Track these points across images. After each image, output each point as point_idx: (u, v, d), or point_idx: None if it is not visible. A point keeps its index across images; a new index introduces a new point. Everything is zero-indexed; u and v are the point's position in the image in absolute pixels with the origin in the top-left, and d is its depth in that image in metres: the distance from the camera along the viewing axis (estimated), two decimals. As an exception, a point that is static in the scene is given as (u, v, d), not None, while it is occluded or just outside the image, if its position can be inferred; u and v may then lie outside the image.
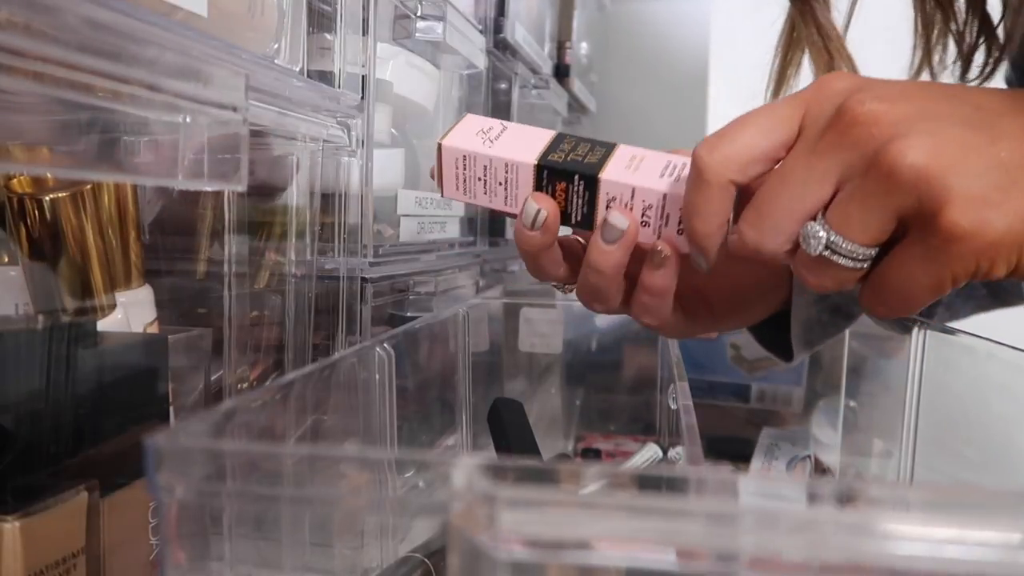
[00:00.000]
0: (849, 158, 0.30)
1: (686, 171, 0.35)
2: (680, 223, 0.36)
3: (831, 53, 0.51)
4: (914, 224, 0.30)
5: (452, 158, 0.39)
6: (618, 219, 0.36)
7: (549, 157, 0.37)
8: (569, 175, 0.37)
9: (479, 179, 0.39)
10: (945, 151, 0.28)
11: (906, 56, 0.56)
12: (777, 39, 0.55)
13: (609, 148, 0.38)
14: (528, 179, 0.37)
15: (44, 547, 0.33)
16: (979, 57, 0.54)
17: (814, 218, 0.31)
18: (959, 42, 0.54)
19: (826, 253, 0.31)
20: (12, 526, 0.31)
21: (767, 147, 0.32)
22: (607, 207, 0.37)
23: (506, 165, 0.38)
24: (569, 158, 0.37)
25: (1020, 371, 0.38)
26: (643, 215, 0.36)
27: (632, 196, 0.36)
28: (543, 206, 0.37)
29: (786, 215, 0.31)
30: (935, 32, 0.54)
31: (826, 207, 0.31)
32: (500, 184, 0.38)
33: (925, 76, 0.56)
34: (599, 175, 0.36)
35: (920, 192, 0.28)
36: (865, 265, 0.31)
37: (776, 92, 0.56)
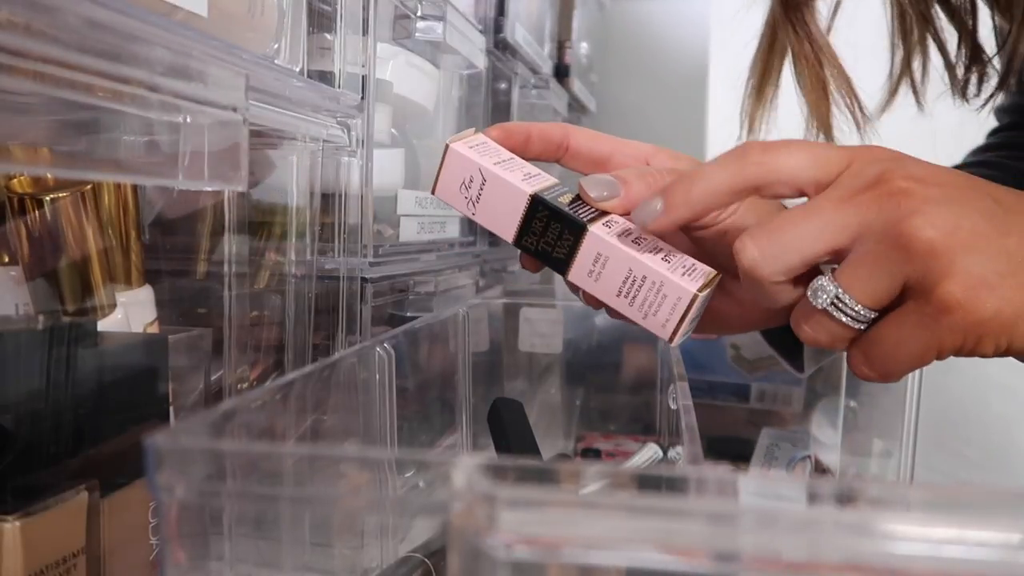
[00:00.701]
0: (873, 218, 0.32)
1: (644, 286, 0.36)
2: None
3: (820, 60, 0.51)
4: (914, 293, 0.32)
5: (442, 201, 0.40)
6: (589, 303, 0.40)
7: (523, 242, 0.38)
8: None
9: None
10: (959, 233, 0.31)
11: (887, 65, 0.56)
12: (755, 52, 0.55)
13: (578, 235, 0.37)
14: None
15: (44, 547, 0.33)
16: (976, 74, 0.55)
17: (822, 272, 0.33)
18: (948, 63, 0.54)
19: (830, 308, 0.33)
20: (12, 526, 0.31)
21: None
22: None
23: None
24: (540, 247, 0.38)
25: (1020, 371, 0.38)
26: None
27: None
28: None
29: (795, 246, 0.32)
30: (914, 40, 0.54)
31: (832, 268, 0.33)
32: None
33: (905, 85, 0.56)
34: (567, 277, 0.38)
35: (927, 264, 0.31)
36: (863, 327, 0.33)
37: (752, 113, 0.56)
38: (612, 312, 0.41)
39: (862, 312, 0.32)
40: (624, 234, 0.37)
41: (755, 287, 0.34)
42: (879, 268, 0.32)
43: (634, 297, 0.37)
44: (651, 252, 0.36)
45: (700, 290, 0.35)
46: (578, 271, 0.37)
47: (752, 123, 0.56)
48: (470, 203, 0.39)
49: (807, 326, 0.34)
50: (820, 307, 0.33)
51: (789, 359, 0.49)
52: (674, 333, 0.37)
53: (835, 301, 0.32)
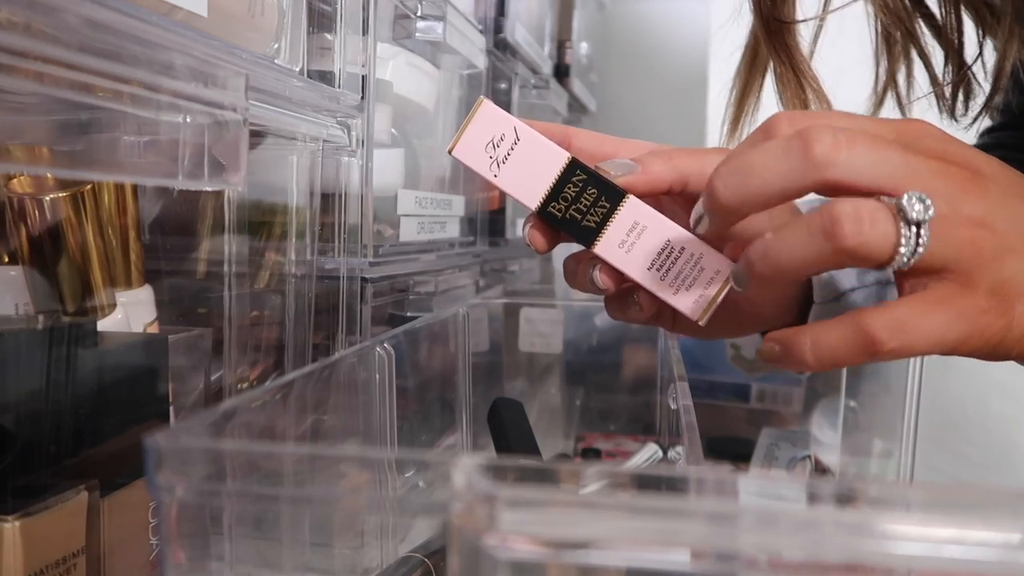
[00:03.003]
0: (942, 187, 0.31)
1: (682, 258, 0.35)
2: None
3: (801, 84, 0.51)
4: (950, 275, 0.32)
5: (464, 166, 0.38)
6: (598, 280, 0.38)
7: (550, 208, 0.36)
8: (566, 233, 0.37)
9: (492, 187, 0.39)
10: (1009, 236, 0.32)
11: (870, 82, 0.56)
12: (738, 65, 0.55)
13: (615, 202, 0.36)
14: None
15: (44, 547, 0.33)
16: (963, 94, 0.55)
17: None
18: (935, 81, 0.55)
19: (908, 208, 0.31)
20: (12, 526, 0.31)
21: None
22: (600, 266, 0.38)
23: (512, 197, 0.37)
24: (569, 214, 0.36)
25: (1020, 371, 0.38)
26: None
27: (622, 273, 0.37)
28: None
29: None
30: (897, 53, 0.55)
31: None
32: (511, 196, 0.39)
33: (890, 99, 0.56)
34: (593, 248, 0.36)
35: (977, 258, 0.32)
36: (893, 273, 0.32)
37: (734, 122, 0.56)
38: (614, 307, 0.41)
39: (921, 246, 0.31)
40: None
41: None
42: (946, 237, 0.31)
43: (668, 270, 0.36)
44: (685, 227, 0.36)
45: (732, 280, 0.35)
46: (609, 241, 0.36)
47: (734, 130, 0.56)
48: (495, 164, 0.37)
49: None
50: (913, 216, 0.30)
51: None
52: (705, 311, 0.36)
53: (922, 220, 0.30)
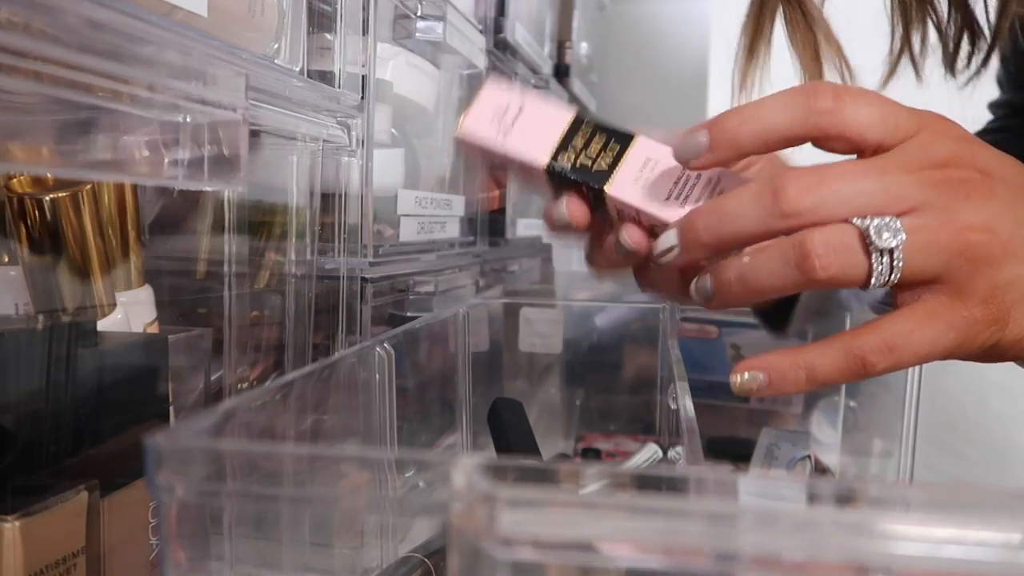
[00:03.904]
0: (935, 200, 0.31)
1: (700, 183, 0.35)
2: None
3: (808, 20, 0.51)
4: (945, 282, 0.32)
5: (470, 148, 0.38)
6: (626, 239, 0.37)
7: (559, 159, 0.37)
8: (577, 184, 0.37)
9: (500, 165, 0.39)
10: (1014, 240, 0.31)
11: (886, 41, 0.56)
12: (747, 11, 0.54)
13: (625, 144, 0.37)
14: (542, 176, 0.37)
15: (44, 547, 0.33)
16: (967, 46, 0.55)
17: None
18: (941, 34, 0.55)
19: (877, 243, 0.31)
20: (12, 526, 0.31)
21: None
22: (618, 215, 0.37)
23: (520, 162, 0.37)
24: (579, 162, 0.37)
25: (1019, 371, 0.38)
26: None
27: (638, 213, 0.36)
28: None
29: (849, 201, 0.31)
30: (913, 16, 0.54)
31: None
32: (519, 171, 0.39)
33: (906, 61, 0.56)
34: (605, 188, 0.36)
35: (975, 266, 0.31)
36: (884, 287, 0.32)
37: (745, 67, 0.54)
38: (644, 280, 0.39)
39: (895, 270, 0.31)
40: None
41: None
42: (932, 250, 0.31)
43: (686, 197, 0.35)
44: None
45: None
46: (622, 179, 0.36)
47: (744, 81, 0.55)
48: (501, 134, 0.37)
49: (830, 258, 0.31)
50: (881, 245, 0.31)
51: (765, 320, 0.49)
52: None
53: (892, 248, 0.31)
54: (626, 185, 0.36)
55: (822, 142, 0.33)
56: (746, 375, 0.34)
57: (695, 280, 0.35)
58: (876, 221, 0.31)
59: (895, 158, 0.32)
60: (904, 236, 0.31)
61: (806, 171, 0.32)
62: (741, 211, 0.32)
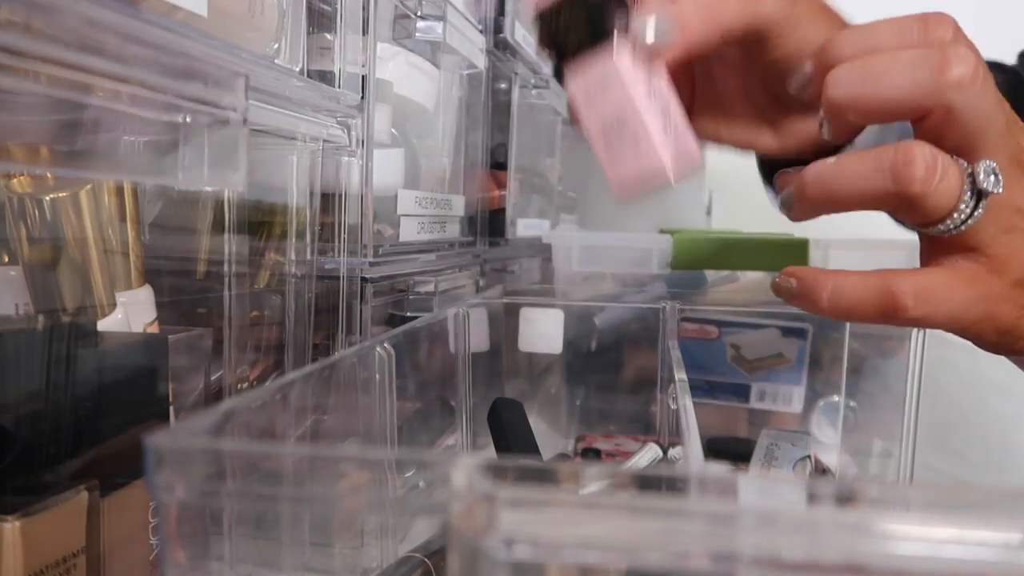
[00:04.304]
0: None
1: (627, 132, 0.32)
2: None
3: None
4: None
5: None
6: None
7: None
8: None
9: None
10: None
11: None
12: None
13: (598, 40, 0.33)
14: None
15: (44, 547, 0.33)
16: None
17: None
18: None
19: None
20: (12, 526, 0.31)
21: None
22: None
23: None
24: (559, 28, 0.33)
25: (1019, 371, 0.38)
26: None
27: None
28: None
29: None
30: None
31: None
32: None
33: None
34: (565, 66, 0.34)
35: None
36: (961, 218, 0.31)
37: None
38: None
39: (973, 217, 0.30)
40: (646, 77, 0.32)
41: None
42: (998, 217, 0.31)
43: (613, 142, 0.33)
44: (657, 106, 0.32)
45: (675, 177, 0.32)
46: (578, 82, 0.33)
47: None
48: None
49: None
50: (980, 185, 0.30)
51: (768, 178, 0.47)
52: (628, 191, 0.34)
53: (988, 192, 0.30)
54: (580, 87, 0.34)
55: (931, 118, 0.31)
56: (785, 279, 0.33)
57: (782, 192, 0.34)
58: (986, 163, 0.30)
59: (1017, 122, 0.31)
60: (1002, 190, 0.30)
61: (981, 62, 0.30)
62: (893, 71, 0.30)
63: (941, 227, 0.31)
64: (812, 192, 0.32)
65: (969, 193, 0.30)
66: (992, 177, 0.30)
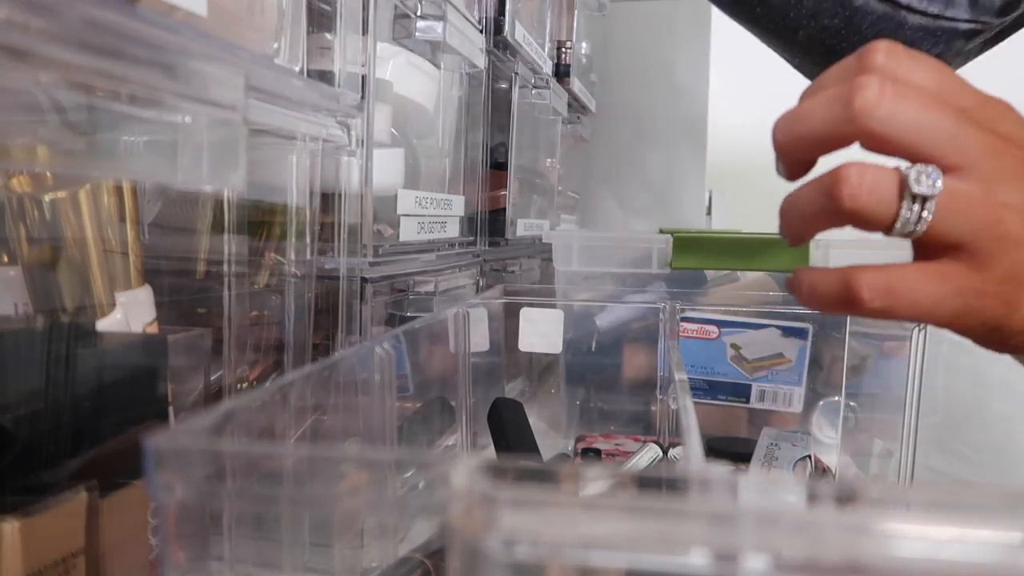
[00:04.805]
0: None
1: None
2: None
3: None
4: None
5: None
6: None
7: None
8: None
9: None
10: None
11: None
12: None
13: None
14: None
15: (44, 547, 0.33)
16: None
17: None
18: None
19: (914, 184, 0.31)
20: (12, 526, 0.31)
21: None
22: None
23: None
24: None
25: (1020, 371, 0.38)
26: None
27: None
28: None
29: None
30: None
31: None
32: None
33: None
34: None
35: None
36: (914, 227, 0.32)
37: None
38: None
39: (922, 220, 0.31)
40: None
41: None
42: (965, 215, 0.32)
43: None
44: None
45: None
46: None
47: None
48: None
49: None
50: (915, 190, 0.31)
51: None
52: None
53: (925, 195, 0.31)
54: None
55: (866, 144, 0.33)
56: (789, 276, 0.37)
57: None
58: (918, 167, 0.31)
59: (975, 111, 0.32)
60: (940, 188, 0.31)
61: (887, 80, 0.32)
62: (814, 111, 0.33)
63: (896, 233, 0.32)
64: (784, 221, 0.36)
65: (908, 199, 0.31)
66: (926, 179, 0.31)
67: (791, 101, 0.44)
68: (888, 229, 0.32)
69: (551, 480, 0.21)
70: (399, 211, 0.61)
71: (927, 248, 0.33)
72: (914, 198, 0.31)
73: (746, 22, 0.68)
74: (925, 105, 0.31)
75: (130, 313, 0.45)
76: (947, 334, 0.35)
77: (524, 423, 0.51)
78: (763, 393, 0.74)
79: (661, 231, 0.75)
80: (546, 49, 1.05)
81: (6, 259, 0.42)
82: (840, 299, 0.34)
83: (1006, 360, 0.37)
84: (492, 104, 0.83)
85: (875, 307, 0.33)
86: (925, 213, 0.31)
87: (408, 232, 0.63)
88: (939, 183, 0.31)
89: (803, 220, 0.34)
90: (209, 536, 0.27)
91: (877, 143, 0.32)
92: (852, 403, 0.69)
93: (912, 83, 0.32)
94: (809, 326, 0.70)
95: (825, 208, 0.32)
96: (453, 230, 0.74)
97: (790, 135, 0.34)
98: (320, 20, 0.50)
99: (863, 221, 0.32)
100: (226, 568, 0.35)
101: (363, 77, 0.53)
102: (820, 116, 0.33)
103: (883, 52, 0.33)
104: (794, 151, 0.34)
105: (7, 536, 0.31)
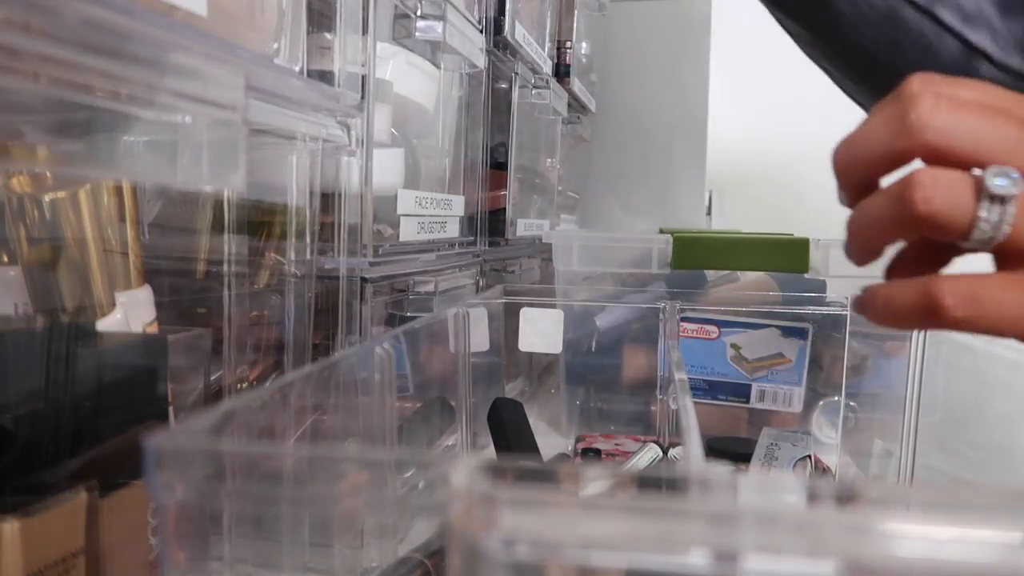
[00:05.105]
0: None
1: None
2: None
3: None
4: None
5: None
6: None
7: None
8: None
9: None
10: None
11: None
12: None
13: None
14: None
15: (44, 547, 0.33)
16: None
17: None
18: None
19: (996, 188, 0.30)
20: (12, 526, 0.31)
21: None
22: None
23: None
24: None
25: (1020, 371, 0.38)
26: None
27: None
28: None
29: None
30: None
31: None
32: None
33: None
34: None
35: None
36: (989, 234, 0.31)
37: None
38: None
39: (1003, 223, 0.30)
40: None
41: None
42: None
43: None
44: None
45: None
46: None
47: None
48: None
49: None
50: (993, 190, 0.30)
51: None
52: None
53: (1004, 196, 0.30)
54: None
55: (926, 158, 0.33)
56: (857, 297, 0.35)
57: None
58: (995, 167, 0.30)
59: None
60: (1021, 187, 0.29)
61: (941, 93, 0.31)
62: (870, 131, 0.33)
63: (976, 238, 0.31)
64: (851, 236, 0.34)
65: (987, 201, 0.30)
66: (1004, 179, 0.30)
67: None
68: (965, 236, 0.31)
69: (551, 480, 0.21)
70: (399, 211, 0.61)
71: (1010, 258, 0.32)
72: (992, 199, 0.30)
73: (806, 28, 0.66)
74: (981, 114, 0.31)
75: (130, 313, 0.45)
76: (947, 334, 0.35)
77: (524, 423, 0.51)
78: (763, 393, 0.74)
79: (661, 231, 0.75)
80: (546, 49, 1.05)
81: (6, 259, 0.42)
82: (921, 309, 0.32)
83: (1006, 360, 0.37)
84: (492, 104, 0.83)
85: (958, 316, 0.31)
86: (1007, 216, 0.30)
87: (408, 232, 0.63)
88: (1020, 183, 0.29)
89: (873, 231, 0.33)
90: (209, 536, 0.27)
91: (937, 156, 0.31)
92: (852, 403, 0.69)
93: (959, 96, 0.31)
94: (809, 326, 0.70)
95: (897, 216, 0.31)
96: (453, 230, 0.73)
97: (848, 158, 0.34)
98: (320, 20, 0.50)
99: (938, 227, 0.31)
100: (226, 568, 0.35)
101: (363, 77, 0.53)
102: (876, 135, 0.32)
103: (921, 77, 0.33)
104: (853, 174, 0.34)
105: (7, 536, 0.31)
